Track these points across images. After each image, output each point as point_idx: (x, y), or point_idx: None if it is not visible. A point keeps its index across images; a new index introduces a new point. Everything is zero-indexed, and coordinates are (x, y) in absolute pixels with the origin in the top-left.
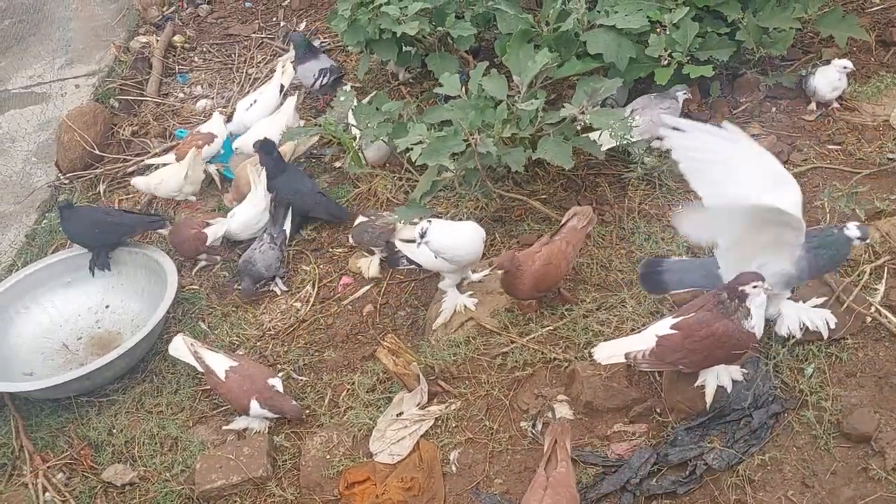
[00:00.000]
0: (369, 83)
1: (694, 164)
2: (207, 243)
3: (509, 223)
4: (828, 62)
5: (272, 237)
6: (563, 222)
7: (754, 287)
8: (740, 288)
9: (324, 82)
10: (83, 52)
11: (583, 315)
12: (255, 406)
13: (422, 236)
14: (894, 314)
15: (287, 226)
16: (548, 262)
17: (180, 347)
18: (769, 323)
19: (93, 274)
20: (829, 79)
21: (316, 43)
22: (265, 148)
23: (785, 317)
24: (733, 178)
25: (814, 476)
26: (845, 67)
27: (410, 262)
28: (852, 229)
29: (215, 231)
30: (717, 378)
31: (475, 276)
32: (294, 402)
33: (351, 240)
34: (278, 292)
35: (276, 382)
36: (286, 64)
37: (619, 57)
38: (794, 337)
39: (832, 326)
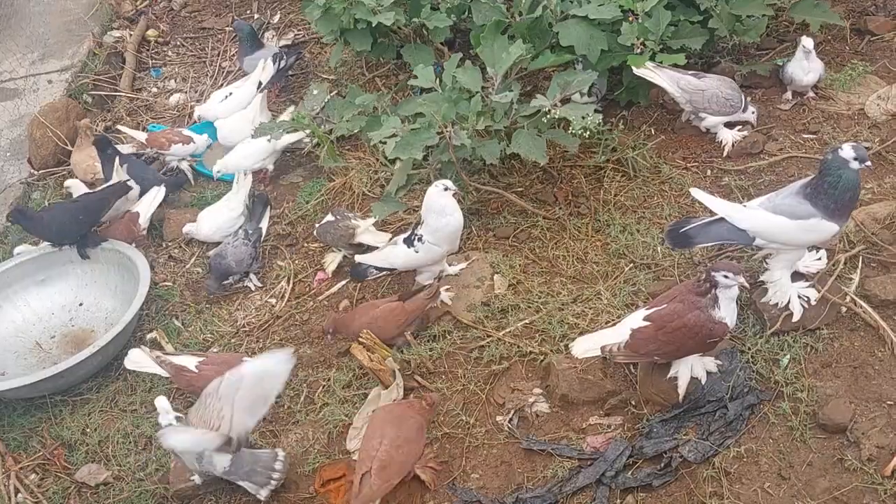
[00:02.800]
0: (344, 75)
1: None
2: (141, 220)
3: (486, 216)
4: None
5: (247, 233)
6: (416, 290)
7: (725, 277)
8: (712, 273)
9: (282, 65)
10: (56, 46)
11: (559, 308)
12: None
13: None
14: (869, 304)
15: (264, 223)
16: (375, 319)
17: (139, 359)
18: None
19: (86, 258)
20: (799, 62)
21: (290, 35)
22: (100, 145)
23: (779, 285)
24: None
25: (790, 467)
26: (804, 47)
27: (380, 269)
28: (846, 150)
29: (146, 209)
30: (692, 369)
31: (452, 270)
32: None
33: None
34: (252, 288)
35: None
36: (267, 61)
37: (591, 49)
38: (778, 305)
39: (807, 305)
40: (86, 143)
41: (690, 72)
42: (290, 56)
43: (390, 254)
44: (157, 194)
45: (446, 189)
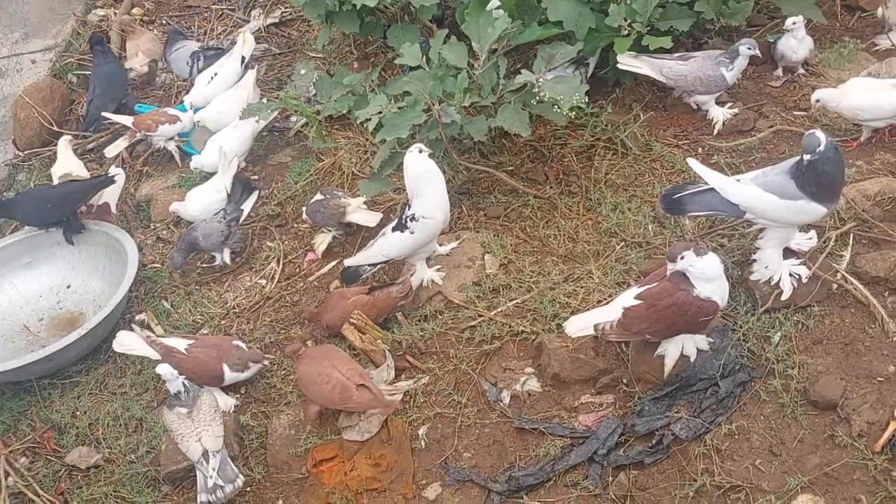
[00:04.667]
0: (332, 53)
1: None
2: (113, 209)
3: (476, 195)
4: None
5: (225, 212)
6: (388, 283)
7: (681, 259)
8: (669, 263)
9: (199, 67)
10: (39, 26)
11: (550, 287)
12: (226, 371)
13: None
14: (860, 281)
15: (246, 206)
16: (344, 314)
17: (127, 341)
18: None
19: (71, 243)
20: (787, 40)
21: (277, 14)
22: (92, 40)
23: (770, 263)
24: None
25: (781, 444)
26: (794, 23)
27: (375, 265)
28: (804, 138)
29: (114, 198)
30: (683, 348)
31: (443, 249)
32: (257, 350)
33: (304, 216)
34: (221, 264)
35: (239, 343)
36: (247, 34)
37: (579, 26)
38: (769, 283)
39: (797, 283)
40: (139, 32)
41: (676, 54)
42: (209, 58)
43: (383, 246)
44: (120, 181)
45: (421, 151)
